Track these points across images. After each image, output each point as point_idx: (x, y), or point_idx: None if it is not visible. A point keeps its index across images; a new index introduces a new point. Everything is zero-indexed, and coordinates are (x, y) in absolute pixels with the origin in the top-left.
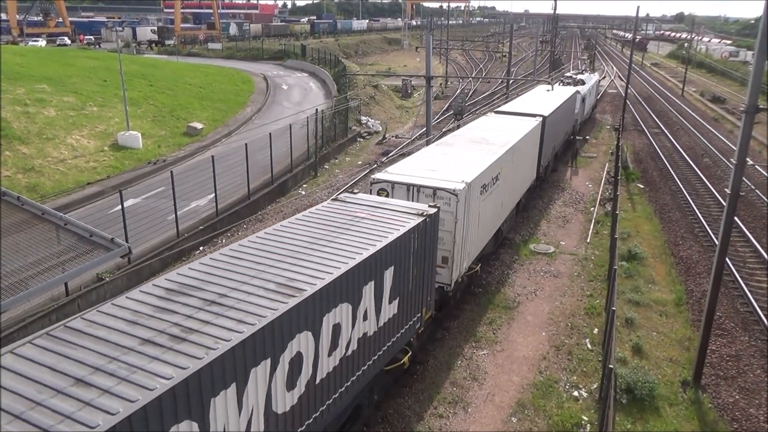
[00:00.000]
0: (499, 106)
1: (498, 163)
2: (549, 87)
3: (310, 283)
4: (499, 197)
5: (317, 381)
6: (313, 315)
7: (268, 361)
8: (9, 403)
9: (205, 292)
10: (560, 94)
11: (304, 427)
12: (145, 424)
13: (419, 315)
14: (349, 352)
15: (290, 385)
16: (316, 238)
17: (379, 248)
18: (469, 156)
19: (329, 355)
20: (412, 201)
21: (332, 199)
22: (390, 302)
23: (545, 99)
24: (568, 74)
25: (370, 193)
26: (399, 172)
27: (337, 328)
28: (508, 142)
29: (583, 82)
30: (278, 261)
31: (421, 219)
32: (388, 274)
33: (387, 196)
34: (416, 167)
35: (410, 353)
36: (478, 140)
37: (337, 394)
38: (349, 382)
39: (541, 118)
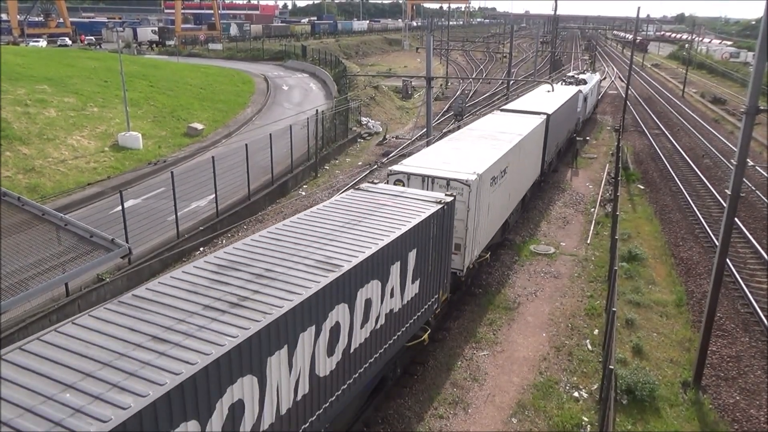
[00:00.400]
0: (499, 107)
1: (506, 157)
2: (549, 88)
3: (346, 260)
4: (507, 190)
5: (351, 350)
6: (349, 289)
7: (313, 327)
8: (97, 354)
9: (253, 267)
10: (563, 93)
11: (339, 391)
12: (217, 375)
13: (436, 296)
14: (378, 325)
15: (330, 351)
16: (345, 222)
17: (404, 231)
18: (479, 150)
19: (362, 327)
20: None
21: (355, 189)
22: (413, 282)
23: (549, 98)
24: (570, 74)
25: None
26: (414, 164)
27: (368, 303)
28: (514, 138)
29: (585, 82)
30: (314, 241)
31: (439, 206)
32: (412, 256)
33: (403, 186)
34: (430, 160)
35: (429, 331)
36: (486, 136)
37: (367, 364)
38: (378, 354)
39: (545, 116)
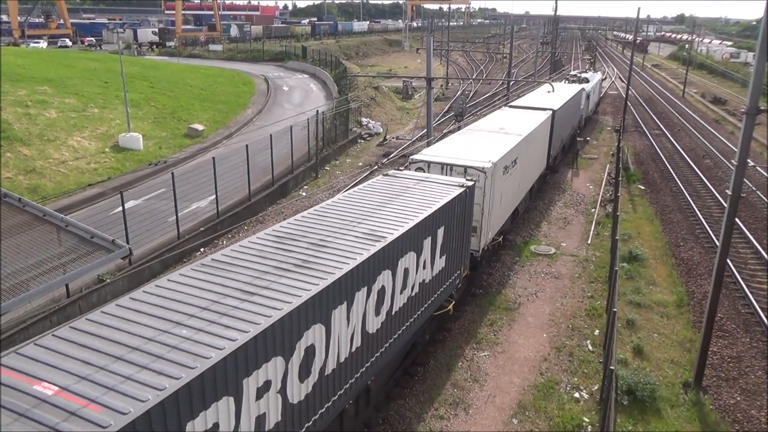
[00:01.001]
0: (508, 104)
1: (516, 149)
2: (550, 88)
3: (388, 233)
4: (517, 179)
5: (393, 312)
6: (392, 257)
7: (365, 288)
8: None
9: (308, 237)
10: (567, 90)
11: (383, 348)
12: (298, 320)
13: (458, 272)
14: (413, 293)
15: (377, 311)
16: (380, 202)
17: (435, 210)
18: (492, 142)
19: (401, 292)
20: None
21: (383, 175)
22: (440, 256)
23: (554, 95)
24: (573, 72)
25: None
26: (433, 153)
27: (406, 271)
28: (523, 132)
29: (587, 80)
30: (357, 217)
31: (462, 189)
32: (440, 233)
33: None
34: (447, 150)
35: (453, 302)
36: (497, 130)
37: (404, 326)
38: (412, 318)
39: (551, 112)
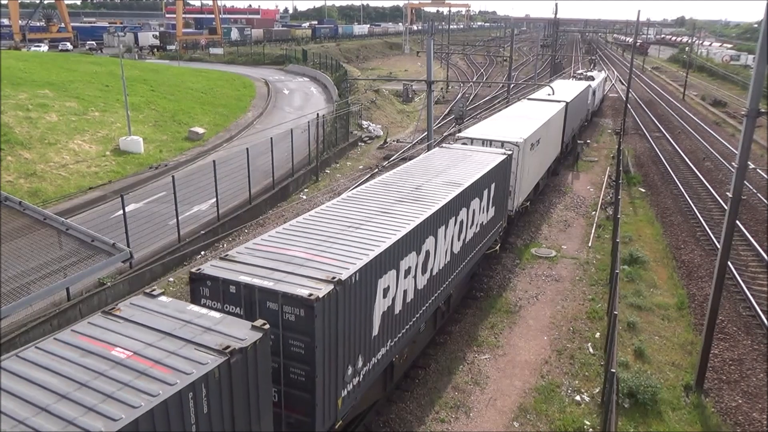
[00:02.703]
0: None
1: (539, 131)
2: (550, 91)
3: (463, 181)
4: (539, 157)
5: (467, 240)
6: (467, 200)
7: (453, 219)
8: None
9: (406, 183)
10: (577, 86)
11: (459, 268)
12: (422, 230)
13: (501, 223)
14: (477, 230)
15: (457, 238)
16: (450, 163)
17: (489, 169)
18: (519, 124)
19: (470, 228)
20: None
21: (440, 147)
22: (491, 207)
23: (566, 89)
24: (579, 71)
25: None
26: (475, 131)
27: (474, 212)
28: (543, 118)
29: (592, 78)
30: (435, 174)
31: (505, 156)
32: (492, 188)
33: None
34: (485, 130)
35: (499, 244)
36: (521, 116)
37: (473, 252)
38: (477, 248)
39: (564, 103)
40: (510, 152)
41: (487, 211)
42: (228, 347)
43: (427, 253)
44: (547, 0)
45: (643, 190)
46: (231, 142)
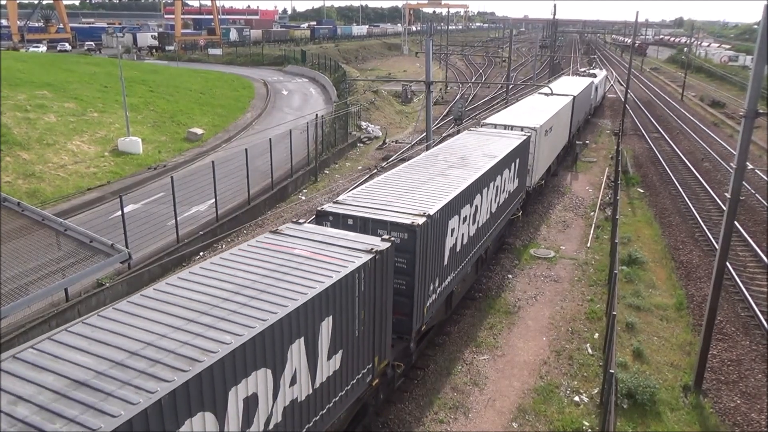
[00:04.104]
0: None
1: (550, 120)
2: (548, 91)
3: (497, 154)
4: (551, 142)
5: (499, 204)
6: (501, 169)
7: (492, 182)
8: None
9: (452, 155)
10: (581, 81)
11: (495, 225)
12: (462, 197)
13: (522, 194)
14: (506, 196)
15: (494, 200)
16: (481, 143)
17: (514, 148)
18: (533, 114)
19: (501, 193)
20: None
21: (468, 131)
22: (515, 179)
23: (572, 85)
24: (582, 69)
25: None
26: (497, 119)
27: (504, 180)
28: (554, 109)
29: (595, 75)
30: (472, 149)
31: (526, 137)
32: (517, 162)
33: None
34: (505, 117)
35: (521, 212)
36: (534, 108)
37: (501, 217)
38: (505, 213)
39: (572, 97)
40: (529, 134)
41: (513, 182)
42: (373, 248)
43: (476, 207)
44: (546, 0)
45: (642, 191)
46: (230, 142)
